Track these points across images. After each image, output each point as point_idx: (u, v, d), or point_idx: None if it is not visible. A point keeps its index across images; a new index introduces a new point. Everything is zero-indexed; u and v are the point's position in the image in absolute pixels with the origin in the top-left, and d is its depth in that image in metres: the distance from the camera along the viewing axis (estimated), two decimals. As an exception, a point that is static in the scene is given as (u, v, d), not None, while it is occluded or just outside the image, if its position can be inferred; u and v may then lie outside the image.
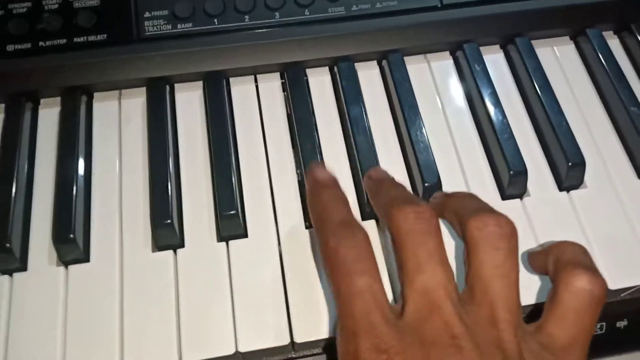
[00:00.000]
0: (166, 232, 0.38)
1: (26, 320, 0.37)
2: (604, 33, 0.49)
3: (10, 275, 0.38)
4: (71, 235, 0.38)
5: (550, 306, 0.34)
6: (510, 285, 0.33)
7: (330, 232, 0.34)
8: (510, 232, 0.34)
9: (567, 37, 0.50)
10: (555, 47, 0.49)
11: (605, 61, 0.47)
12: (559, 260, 0.35)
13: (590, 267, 0.34)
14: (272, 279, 0.38)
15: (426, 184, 0.40)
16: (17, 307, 0.37)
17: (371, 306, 0.31)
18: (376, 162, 0.42)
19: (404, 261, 0.34)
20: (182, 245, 0.39)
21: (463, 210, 0.36)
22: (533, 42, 0.48)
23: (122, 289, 0.38)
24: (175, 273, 0.38)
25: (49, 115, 0.45)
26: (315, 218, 0.37)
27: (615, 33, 0.50)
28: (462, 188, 0.42)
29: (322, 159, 0.42)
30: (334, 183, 0.38)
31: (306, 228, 0.40)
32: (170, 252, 0.39)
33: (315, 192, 0.37)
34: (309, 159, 0.42)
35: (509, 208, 0.41)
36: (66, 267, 0.38)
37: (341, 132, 0.44)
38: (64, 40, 0.45)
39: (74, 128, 0.43)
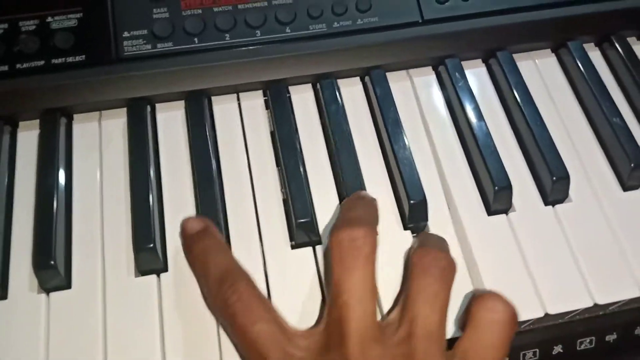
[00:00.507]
0: (149, 256, 0.38)
1: (7, 349, 0.36)
2: (585, 45, 0.49)
3: (-10, 303, 0.37)
4: (52, 262, 0.37)
5: (465, 327, 0.35)
6: (433, 309, 0.34)
7: (213, 293, 0.35)
8: (445, 264, 0.35)
9: (549, 50, 0.50)
10: (536, 60, 0.49)
11: (586, 73, 0.47)
12: (474, 296, 0.36)
13: (502, 297, 0.35)
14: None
15: (412, 202, 0.40)
16: (-3, 336, 0.36)
17: (269, 351, 0.32)
18: (360, 179, 0.42)
19: (330, 285, 0.35)
20: (165, 270, 0.39)
21: (419, 245, 0.38)
22: (514, 55, 0.48)
23: (104, 316, 0.37)
24: (159, 298, 0.37)
25: (27, 138, 0.44)
26: (196, 277, 0.38)
27: (596, 45, 0.51)
28: (447, 205, 0.42)
29: (306, 176, 0.42)
30: (204, 232, 0.38)
31: (292, 248, 0.40)
32: (154, 276, 0.38)
33: (187, 250, 0.38)
34: (293, 177, 0.41)
35: (495, 224, 0.41)
36: (47, 294, 0.38)
37: (325, 149, 0.44)
38: (42, 62, 0.44)
39: (54, 151, 0.42)
